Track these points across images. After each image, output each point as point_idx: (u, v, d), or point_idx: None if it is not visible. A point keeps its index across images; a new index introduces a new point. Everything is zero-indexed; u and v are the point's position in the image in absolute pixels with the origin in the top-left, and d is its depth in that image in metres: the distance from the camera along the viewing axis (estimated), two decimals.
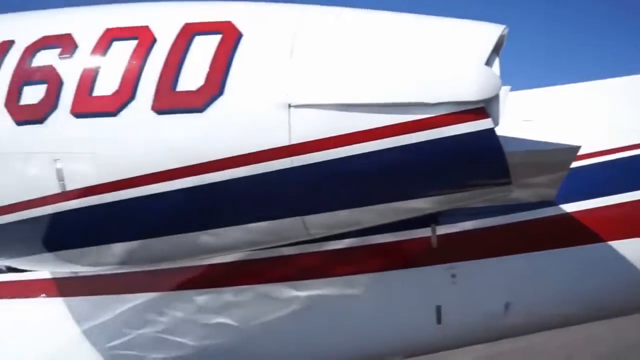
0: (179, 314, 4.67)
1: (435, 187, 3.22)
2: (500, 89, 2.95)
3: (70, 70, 3.22)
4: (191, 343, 4.69)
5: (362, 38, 3.13)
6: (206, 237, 3.40)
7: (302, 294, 4.51)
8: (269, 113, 3.01)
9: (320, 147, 2.99)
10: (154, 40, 3.16)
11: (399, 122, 2.94)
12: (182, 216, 3.29)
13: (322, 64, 3.07)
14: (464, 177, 3.17)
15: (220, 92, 3.03)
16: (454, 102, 2.91)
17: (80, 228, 3.43)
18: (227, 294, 4.59)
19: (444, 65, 3.00)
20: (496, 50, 3.01)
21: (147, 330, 4.72)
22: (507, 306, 4.42)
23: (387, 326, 4.55)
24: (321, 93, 3.01)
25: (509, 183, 3.14)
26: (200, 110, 3.03)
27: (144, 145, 3.14)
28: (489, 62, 2.95)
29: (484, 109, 2.92)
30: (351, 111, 2.97)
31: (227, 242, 3.49)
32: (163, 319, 4.69)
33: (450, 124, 2.92)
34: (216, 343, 4.66)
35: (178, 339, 4.69)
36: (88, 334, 4.81)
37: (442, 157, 3.00)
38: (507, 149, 3.02)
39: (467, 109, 2.91)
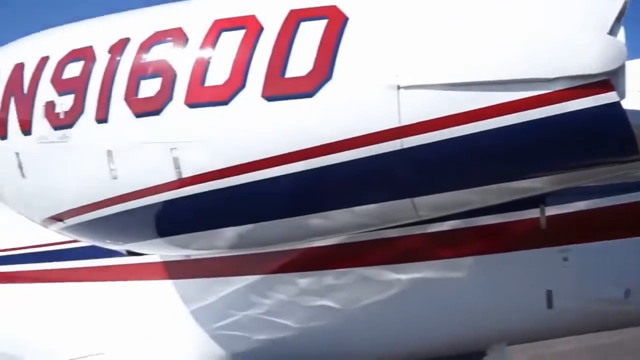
0: (281, 297, 4.79)
1: (555, 166, 3.06)
2: (625, 59, 2.76)
3: (182, 63, 3.34)
4: (293, 325, 4.79)
5: (473, 12, 3.01)
6: (316, 220, 3.44)
7: (405, 277, 4.48)
8: (378, 95, 2.98)
9: (430, 128, 2.93)
10: (261, 29, 3.21)
11: (515, 99, 2.82)
12: (293, 200, 3.35)
13: (431, 43, 3.00)
14: (587, 155, 2.99)
15: (329, 76, 3.04)
16: (574, 75, 2.75)
17: (195, 213, 3.57)
18: (329, 277, 4.65)
19: (563, 36, 2.83)
20: (619, 18, 2.82)
21: (250, 312, 4.88)
22: (627, 293, 4.17)
23: (493, 311, 4.43)
24: (431, 73, 2.94)
25: (638, 159, 2.94)
26: (310, 95, 3.06)
27: (255, 131, 3.21)
28: (612, 32, 2.77)
29: (608, 81, 2.75)
30: (462, 90, 2.88)
31: (335, 225, 3.52)
32: (266, 301, 4.83)
33: (571, 99, 2.77)
34: (317, 325, 4.74)
35: (280, 321, 4.82)
36: (196, 314, 5.05)
37: (563, 134, 2.85)
38: (633, 122, 2.83)
39: (590, 82, 2.75)
